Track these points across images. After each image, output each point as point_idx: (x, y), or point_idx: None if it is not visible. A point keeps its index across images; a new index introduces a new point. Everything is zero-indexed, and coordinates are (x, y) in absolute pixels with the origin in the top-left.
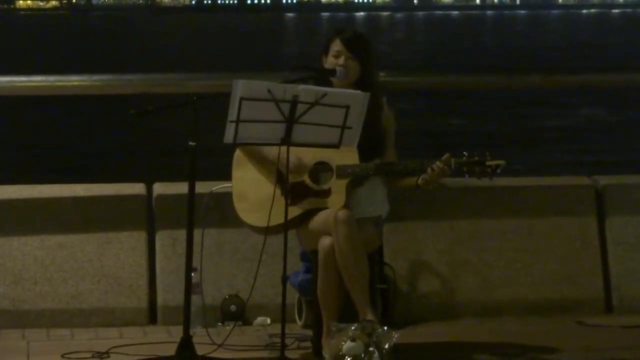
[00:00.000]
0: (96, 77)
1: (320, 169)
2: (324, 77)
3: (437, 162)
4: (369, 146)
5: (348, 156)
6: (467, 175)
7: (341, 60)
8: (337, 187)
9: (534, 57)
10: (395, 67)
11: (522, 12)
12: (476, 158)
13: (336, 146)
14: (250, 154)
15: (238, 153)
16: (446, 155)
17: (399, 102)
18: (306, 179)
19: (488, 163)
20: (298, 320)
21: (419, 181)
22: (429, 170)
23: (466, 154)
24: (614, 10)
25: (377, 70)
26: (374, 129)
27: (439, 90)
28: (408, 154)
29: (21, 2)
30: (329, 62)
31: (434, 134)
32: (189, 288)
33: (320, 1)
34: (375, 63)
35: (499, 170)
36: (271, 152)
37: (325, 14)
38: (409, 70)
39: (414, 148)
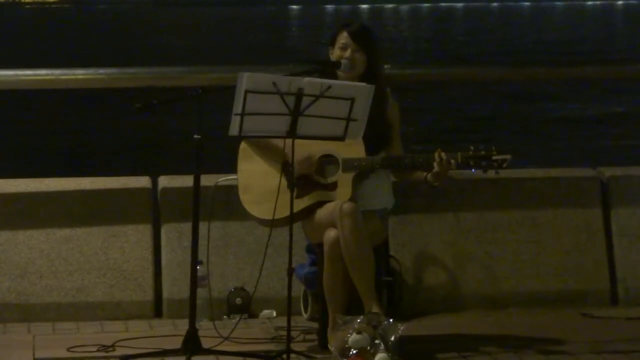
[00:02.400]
0: (101, 71)
1: (326, 162)
2: (329, 69)
3: (442, 154)
4: (376, 139)
5: (354, 149)
6: (473, 170)
7: (347, 52)
8: (343, 180)
9: (538, 49)
10: (399, 59)
11: (526, 3)
12: (482, 152)
13: (341, 139)
14: (256, 145)
15: (244, 145)
16: (440, 151)
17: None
18: (312, 172)
19: (494, 157)
20: (304, 313)
21: (428, 177)
22: (436, 156)
23: (472, 148)
24: (619, 2)
25: (382, 63)
26: (380, 121)
27: (443, 83)
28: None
29: None
30: (335, 54)
31: (440, 127)
32: (195, 281)
33: None
34: (381, 56)
35: (505, 165)
36: (277, 144)
37: (329, 7)
38: (413, 62)
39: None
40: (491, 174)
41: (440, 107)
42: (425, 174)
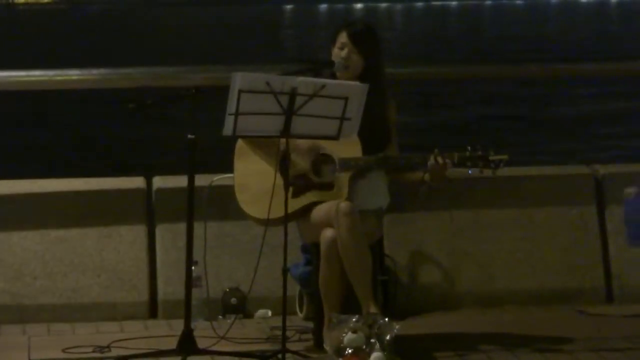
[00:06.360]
0: (95, 71)
1: (322, 162)
2: (324, 69)
3: (439, 157)
4: (374, 139)
5: (351, 149)
6: (470, 171)
7: (344, 53)
8: (340, 180)
9: (532, 46)
10: (394, 58)
11: (520, 2)
12: (479, 153)
13: (335, 138)
14: (252, 144)
15: (240, 144)
16: (441, 154)
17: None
18: (308, 171)
19: (491, 158)
20: (299, 313)
21: (426, 177)
22: (432, 159)
23: (469, 149)
24: (613, 0)
25: (384, 64)
26: (379, 122)
27: (438, 81)
28: (411, 147)
29: None
30: (334, 53)
31: (436, 125)
32: (190, 281)
33: None
34: (382, 57)
35: (502, 165)
36: (273, 143)
37: (323, 6)
38: (407, 61)
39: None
40: (487, 173)
41: (433, 106)
42: (422, 174)
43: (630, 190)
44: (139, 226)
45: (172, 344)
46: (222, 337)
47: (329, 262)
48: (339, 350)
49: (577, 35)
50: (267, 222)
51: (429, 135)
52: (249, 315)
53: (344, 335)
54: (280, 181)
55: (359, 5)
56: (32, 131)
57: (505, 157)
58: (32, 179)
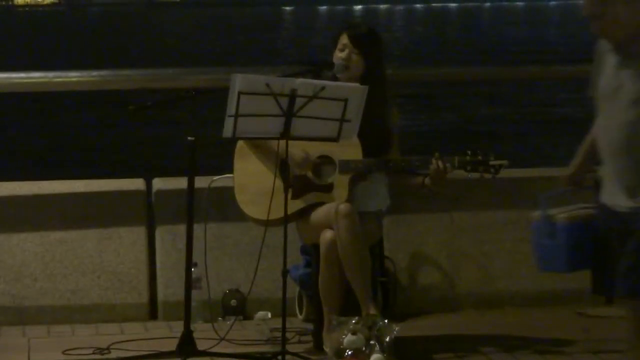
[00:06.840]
0: (95, 73)
1: (323, 163)
2: (324, 70)
3: (440, 161)
4: (376, 142)
5: (351, 151)
6: (470, 175)
7: (344, 54)
8: (340, 182)
9: (533, 48)
10: (393, 59)
11: (520, 3)
12: (479, 157)
13: (335, 139)
14: (253, 145)
15: (240, 144)
16: (439, 157)
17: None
18: (309, 173)
19: (491, 163)
20: (299, 314)
21: (426, 181)
22: (433, 162)
23: (469, 153)
24: None
25: (385, 67)
26: (380, 124)
27: (438, 83)
28: (415, 151)
29: None
30: (335, 55)
31: (437, 127)
32: (189, 283)
33: None
34: (383, 59)
35: (502, 170)
36: (273, 144)
37: (322, 8)
38: (407, 63)
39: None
40: (487, 177)
41: (433, 108)
42: (422, 178)
43: (536, 214)
44: (138, 228)
45: (172, 345)
46: (222, 339)
47: (328, 263)
48: (339, 352)
49: (577, 37)
50: (266, 223)
51: (428, 137)
52: (248, 316)
53: (343, 336)
54: (280, 182)
55: (358, 7)
56: (32, 133)
57: (505, 162)
58: (32, 181)
